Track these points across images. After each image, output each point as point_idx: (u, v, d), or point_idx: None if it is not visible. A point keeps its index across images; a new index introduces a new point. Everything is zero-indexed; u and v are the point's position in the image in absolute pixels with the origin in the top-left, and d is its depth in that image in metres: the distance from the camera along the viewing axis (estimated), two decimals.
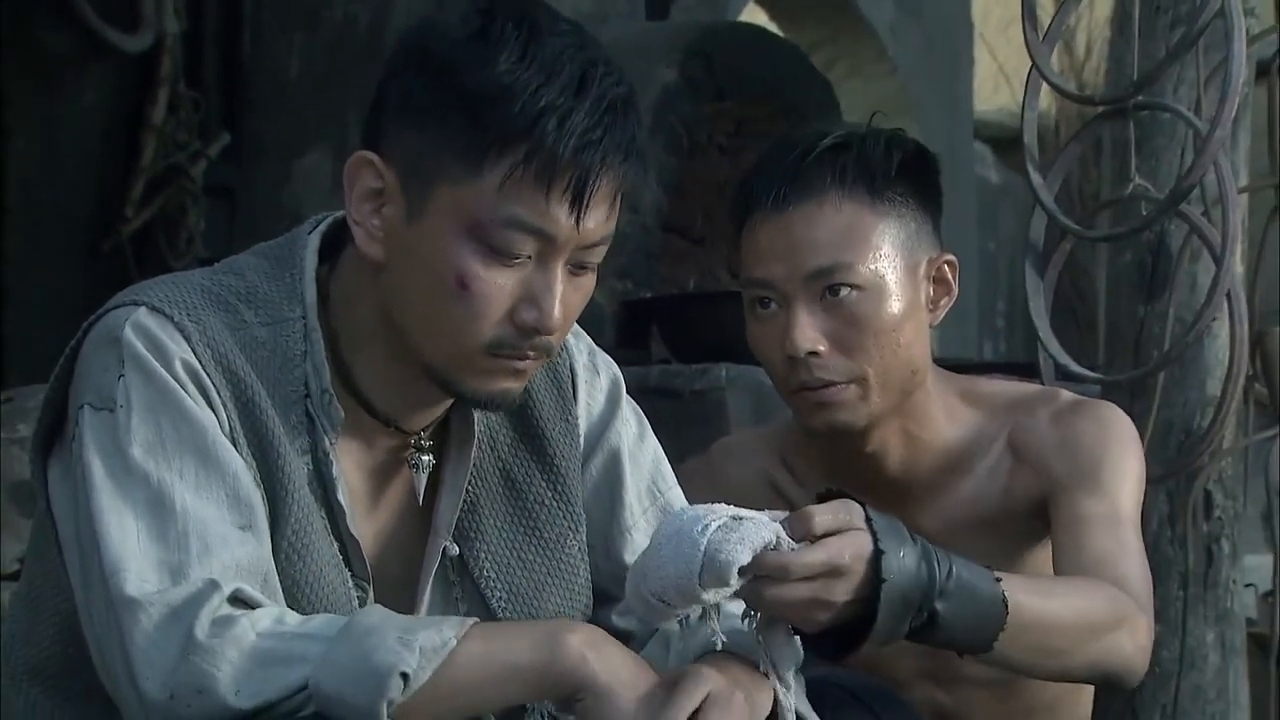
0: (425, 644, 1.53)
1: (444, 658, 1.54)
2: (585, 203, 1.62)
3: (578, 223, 1.63)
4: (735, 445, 2.41)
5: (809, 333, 2.11)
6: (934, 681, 2.29)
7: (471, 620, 1.58)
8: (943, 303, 2.21)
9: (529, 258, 1.64)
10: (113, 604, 1.57)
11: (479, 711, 1.62)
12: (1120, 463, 2.18)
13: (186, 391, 1.63)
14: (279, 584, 1.64)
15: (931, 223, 2.19)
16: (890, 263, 2.13)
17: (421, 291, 1.65)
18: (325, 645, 1.54)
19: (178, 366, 1.64)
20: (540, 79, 1.60)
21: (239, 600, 1.57)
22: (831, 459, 2.24)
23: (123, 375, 1.63)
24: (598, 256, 1.69)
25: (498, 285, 1.64)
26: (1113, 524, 2.12)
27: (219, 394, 1.65)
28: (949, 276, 2.20)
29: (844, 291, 2.12)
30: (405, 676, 1.52)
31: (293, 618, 1.58)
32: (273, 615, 1.57)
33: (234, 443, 1.65)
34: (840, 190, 2.12)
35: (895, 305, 2.13)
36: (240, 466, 1.63)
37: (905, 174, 2.16)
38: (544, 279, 1.65)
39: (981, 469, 2.24)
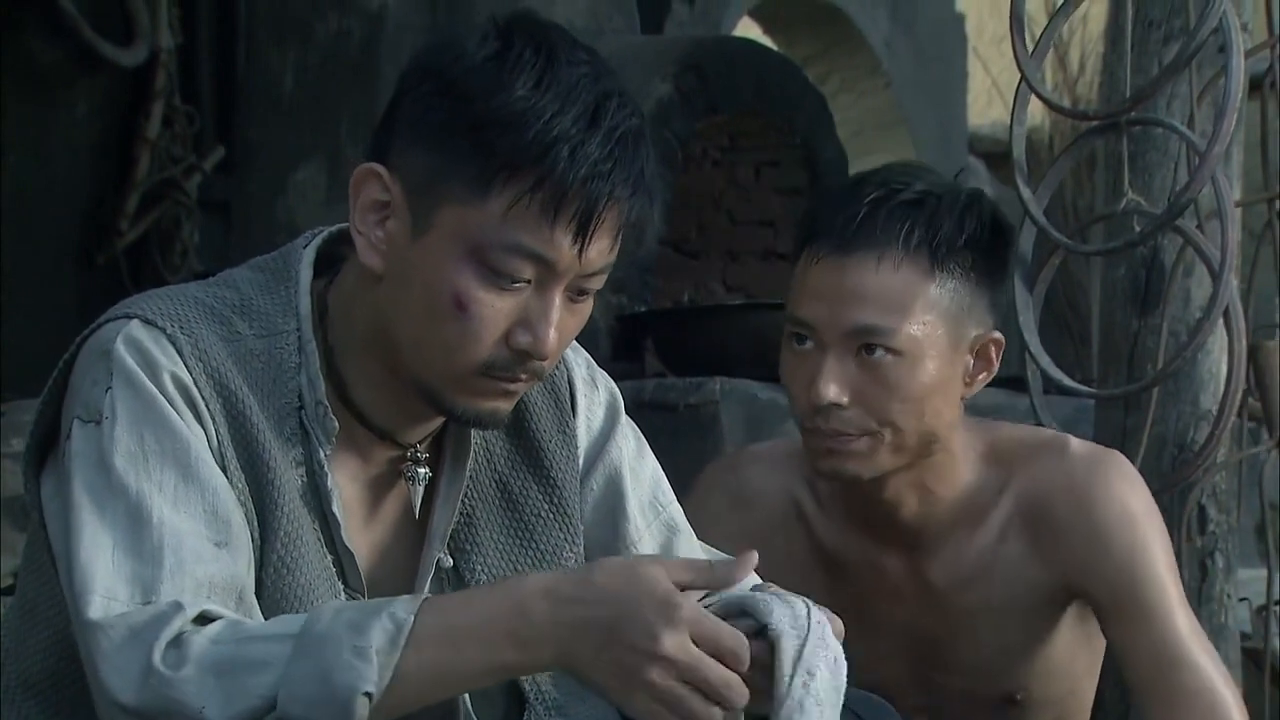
0: (380, 642, 1.51)
1: (402, 646, 1.51)
2: (590, 233, 1.62)
3: (580, 252, 1.63)
4: (763, 455, 2.34)
5: (834, 385, 2.06)
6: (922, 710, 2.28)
7: (423, 596, 1.56)
8: (980, 378, 2.15)
9: (528, 282, 1.64)
10: (79, 627, 1.57)
11: (458, 683, 1.59)
12: (1160, 565, 2.21)
13: (174, 406, 1.63)
14: (255, 601, 1.62)
15: (988, 298, 2.12)
16: (933, 331, 2.07)
17: (418, 308, 1.65)
18: (282, 649, 1.52)
19: (166, 380, 1.63)
20: (555, 107, 1.60)
21: (206, 620, 1.56)
22: (851, 495, 2.20)
23: (110, 388, 1.63)
24: (598, 283, 1.69)
25: (495, 308, 1.64)
26: (1172, 648, 2.16)
27: (208, 407, 1.64)
28: (992, 354, 2.14)
29: (879, 353, 2.06)
30: (369, 695, 1.50)
31: (249, 621, 1.57)
32: (228, 621, 1.56)
33: (222, 457, 1.64)
34: (902, 250, 2.06)
35: (928, 376, 2.07)
36: (222, 484, 1.63)
37: (973, 246, 2.09)
38: (541, 305, 1.65)
39: (993, 522, 2.20)
